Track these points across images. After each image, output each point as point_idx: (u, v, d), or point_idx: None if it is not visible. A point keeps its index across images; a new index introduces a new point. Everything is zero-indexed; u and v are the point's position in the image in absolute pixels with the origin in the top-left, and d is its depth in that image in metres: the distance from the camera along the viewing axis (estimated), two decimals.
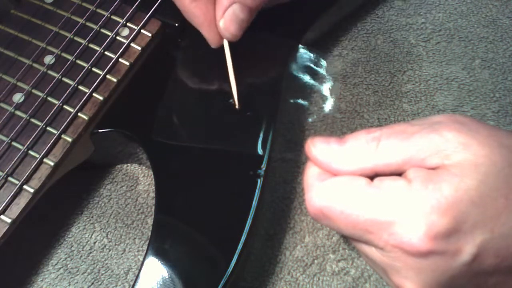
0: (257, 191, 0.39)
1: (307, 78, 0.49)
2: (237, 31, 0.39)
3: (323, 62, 0.50)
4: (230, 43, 0.41)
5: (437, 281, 0.31)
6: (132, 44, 0.43)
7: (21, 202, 0.38)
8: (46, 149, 0.39)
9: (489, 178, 0.30)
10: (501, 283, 0.32)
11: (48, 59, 0.42)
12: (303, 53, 0.49)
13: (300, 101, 0.49)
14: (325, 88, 0.49)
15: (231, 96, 0.41)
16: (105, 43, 0.43)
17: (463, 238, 0.30)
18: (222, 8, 0.38)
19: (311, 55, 0.50)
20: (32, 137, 0.40)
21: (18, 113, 0.41)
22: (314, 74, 0.49)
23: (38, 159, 0.39)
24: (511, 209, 0.30)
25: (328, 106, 0.48)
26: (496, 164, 0.30)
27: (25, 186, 0.38)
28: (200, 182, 0.40)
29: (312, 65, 0.50)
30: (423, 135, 0.32)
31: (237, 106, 0.41)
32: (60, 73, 0.42)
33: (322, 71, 0.50)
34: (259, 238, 0.43)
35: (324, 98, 0.48)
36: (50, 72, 0.42)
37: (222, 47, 0.41)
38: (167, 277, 0.37)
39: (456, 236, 0.30)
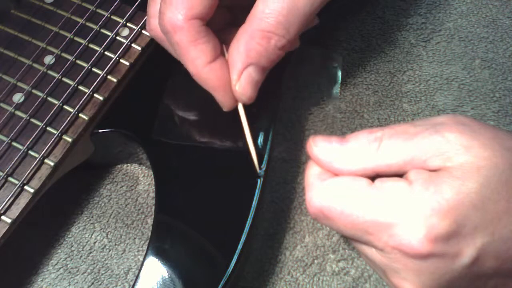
0: (257, 191, 0.39)
1: (308, 77, 0.49)
2: (254, 93, 0.37)
3: (324, 61, 0.50)
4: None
5: (437, 283, 0.31)
6: (132, 44, 0.43)
7: (21, 202, 0.38)
8: (46, 149, 0.39)
9: (491, 181, 0.30)
10: (501, 286, 0.32)
11: (48, 59, 0.42)
12: (304, 51, 0.49)
13: (302, 100, 0.48)
14: (326, 87, 0.49)
15: (251, 160, 0.39)
16: (105, 43, 0.43)
17: (463, 241, 0.30)
18: (237, 71, 0.36)
19: (312, 53, 0.50)
20: (32, 137, 0.40)
21: (18, 113, 0.41)
22: (315, 73, 0.50)
23: (38, 159, 0.39)
24: None
25: (328, 105, 0.48)
26: (498, 167, 0.30)
27: (25, 186, 0.39)
28: (200, 182, 0.40)
29: (313, 64, 0.50)
30: (425, 136, 0.32)
31: (258, 170, 0.39)
32: (60, 73, 0.42)
33: (323, 70, 0.50)
34: (259, 238, 0.43)
35: (324, 98, 0.48)
36: (50, 72, 0.42)
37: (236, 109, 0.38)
38: (167, 277, 0.37)
39: (456, 239, 0.30)
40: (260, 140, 0.41)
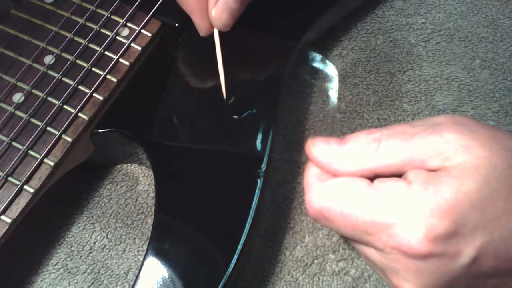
0: (257, 191, 0.39)
1: (308, 77, 0.49)
2: (229, 21, 0.39)
3: (324, 61, 0.50)
4: (222, 36, 0.40)
5: (436, 283, 0.31)
6: (132, 44, 0.43)
7: (21, 202, 0.38)
8: (46, 149, 0.39)
9: (490, 181, 0.30)
10: (501, 285, 0.32)
11: (48, 59, 0.42)
12: (304, 52, 0.49)
13: (301, 100, 0.49)
14: (326, 87, 0.49)
15: (219, 88, 0.41)
16: (105, 43, 0.43)
17: (462, 241, 0.30)
18: None
19: (312, 54, 0.50)
20: (32, 137, 0.40)
21: (18, 113, 0.41)
22: (315, 74, 0.50)
23: (38, 159, 0.39)
24: (511, 212, 0.30)
25: (328, 105, 0.48)
26: (497, 166, 0.30)
27: (25, 186, 0.38)
28: (200, 182, 0.40)
29: (313, 64, 0.50)
30: (424, 137, 0.32)
31: (224, 97, 0.41)
32: (60, 73, 0.42)
33: (323, 70, 0.50)
34: (259, 238, 0.43)
35: (324, 98, 0.49)
36: (50, 72, 0.42)
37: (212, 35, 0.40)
38: (167, 277, 0.37)
39: (456, 239, 0.30)
40: (260, 140, 0.41)
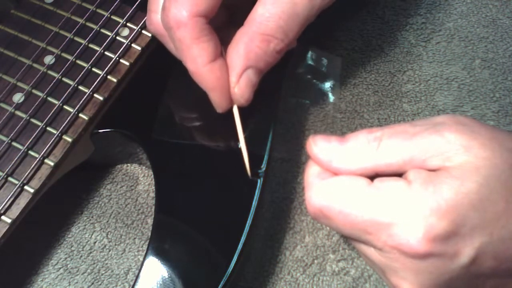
0: (257, 191, 0.39)
1: (308, 77, 0.49)
2: (251, 95, 0.37)
3: (324, 61, 0.50)
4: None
5: (435, 283, 0.31)
6: (132, 44, 0.43)
7: (21, 202, 0.38)
8: (46, 149, 0.39)
9: (490, 181, 0.30)
10: (500, 286, 0.32)
11: (48, 59, 0.43)
12: (304, 52, 0.49)
13: (302, 100, 0.49)
14: (326, 87, 0.49)
15: (243, 164, 0.39)
16: (105, 43, 0.43)
17: (461, 241, 0.30)
18: (236, 73, 0.36)
19: (312, 54, 0.50)
20: (32, 137, 0.40)
21: (18, 113, 0.41)
22: (315, 74, 0.50)
23: (38, 159, 0.39)
24: (511, 212, 0.30)
25: (328, 105, 0.48)
26: (497, 167, 0.30)
27: (25, 186, 0.39)
28: (200, 182, 0.40)
29: (313, 64, 0.50)
30: (424, 136, 0.32)
31: (249, 175, 0.39)
32: (60, 73, 0.42)
33: (323, 70, 0.50)
34: (259, 238, 0.43)
35: (324, 98, 0.49)
36: (50, 72, 0.42)
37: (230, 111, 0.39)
38: (167, 277, 0.37)
39: (455, 239, 0.30)
40: (260, 140, 0.41)
